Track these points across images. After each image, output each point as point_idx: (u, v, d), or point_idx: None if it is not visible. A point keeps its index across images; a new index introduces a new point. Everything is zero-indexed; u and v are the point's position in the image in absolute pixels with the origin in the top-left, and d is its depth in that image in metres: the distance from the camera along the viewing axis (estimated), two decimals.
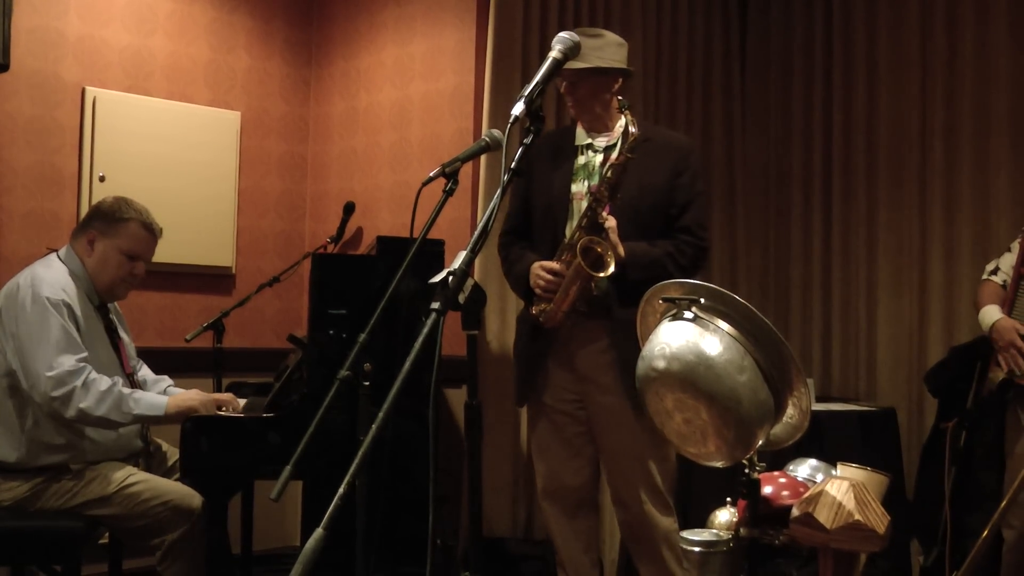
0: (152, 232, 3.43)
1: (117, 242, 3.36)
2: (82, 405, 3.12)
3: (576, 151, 3.40)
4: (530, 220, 3.47)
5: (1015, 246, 3.72)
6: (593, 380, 3.27)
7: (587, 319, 3.24)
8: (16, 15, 4.23)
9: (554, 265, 3.21)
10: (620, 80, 3.37)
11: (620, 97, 3.30)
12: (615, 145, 3.35)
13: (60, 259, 3.37)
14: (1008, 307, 3.59)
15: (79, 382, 3.13)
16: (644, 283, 2.83)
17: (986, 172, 4.38)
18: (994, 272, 3.76)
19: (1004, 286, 3.68)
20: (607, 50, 3.32)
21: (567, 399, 3.35)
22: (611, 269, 3.07)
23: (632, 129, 3.18)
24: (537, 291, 3.24)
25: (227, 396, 3.65)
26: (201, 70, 4.93)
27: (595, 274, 3.07)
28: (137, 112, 4.65)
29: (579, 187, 3.35)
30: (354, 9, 5.14)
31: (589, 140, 3.39)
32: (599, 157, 3.36)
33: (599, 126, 3.39)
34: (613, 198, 3.19)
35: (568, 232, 3.28)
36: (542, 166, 3.43)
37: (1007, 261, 3.73)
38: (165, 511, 3.21)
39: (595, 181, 3.32)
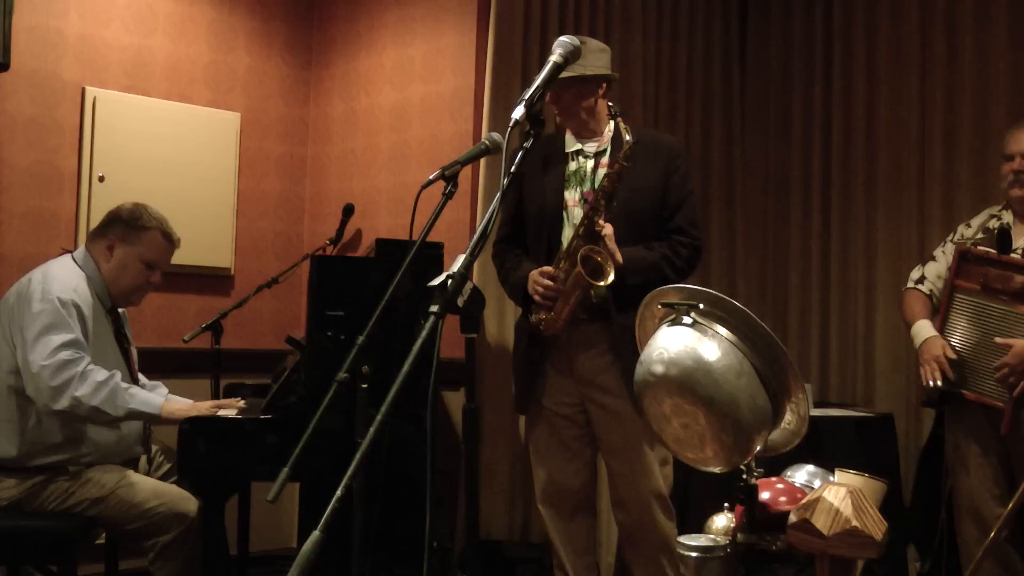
0: (171, 242, 3.46)
1: (137, 250, 3.38)
2: (77, 393, 3.11)
3: (566, 158, 3.40)
4: (523, 228, 3.47)
5: (939, 255, 3.69)
6: (594, 383, 3.27)
7: (585, 324, 3.24)
8: (16, 14, 4.23)
9: (551, 270, 3.21)
10: (604, 86, 3.37)
11: (611, 104, 3.30)
12: (605, 150, 3.35)
13: (75, 261, 3.37)
14: (940, 320, 3.53)
15: (78, 370, 3.13)
16: (642, 288, 2.83)
17: (985, 176, 4.38)
18: (920, 281, 3.72)
19: (930, 295, 3.65)
20: (588, 57, 3.29)
21: (566, 402, 3.35)
22: (611, 278, 3.07)
23: (627, 137, 3.16)
24: (536, 299, 3.24)
25: (228, 402, 3.65)
26: (201, 71, 4.93)
27: (595, 283, 3.07)
28: (137, 112, 4.65)
29: (571, 194, 3.35)
30: (354, 11, 5.14)
31: (579, 146, 3.39)
32: (590, 163, 3.35)
33: (587, 132, 3.39)
34: (609, 206, 3.19)
35: (563, 239, 3.29)
36: (533, 174, 3.42)
37: (933, 270, 3.69)
38: (160, 514, 3.21)
39: (587, 187, 3.32)
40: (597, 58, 3.33)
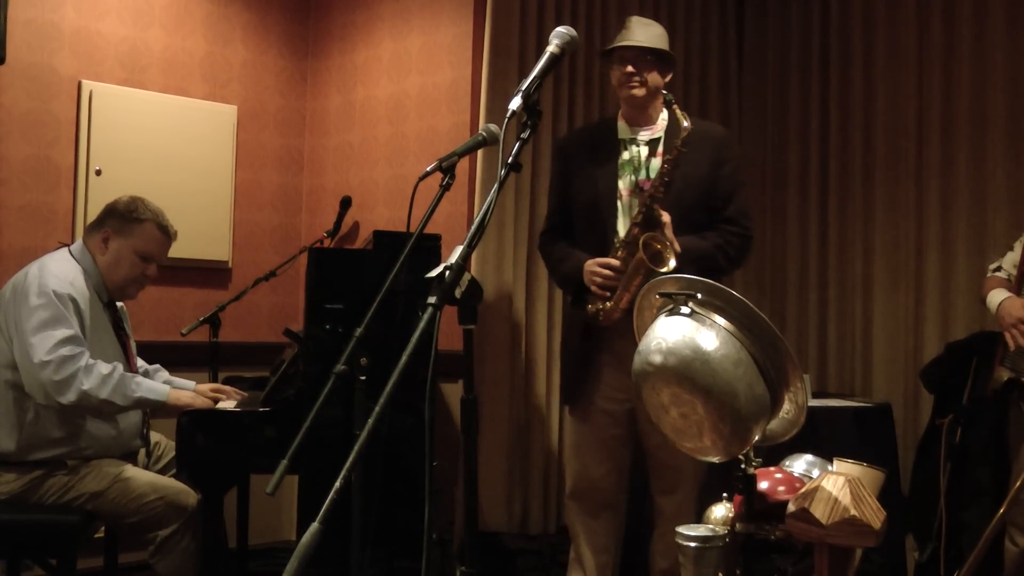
0: (167, 234, 3.46)
1: (132, 242, 3.38)
2: (84, 387, 3.12)
3: (619, 146, 3.39)
4: (571, 218, 3.45)
5: (1017, 245, 3.70)
6: None
7: None
8: (12, 8, 4.22)
9: (613, 262, 3.18)
10: (671, 73, 3.41)
11: (665, 91, 3.30)
12: (659, 139, 3.34)
13: (72, 254, 3.37)
14: None
15: (81, 364, 3.14)
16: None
17: (982, 169, 4.38)
18: (997, 270, 3.73)
19: (1009, 280, 3.65)
20: (659, 40, 3.35)
21: (616, 398, 3.34)
22: (672, 263, 3.06)
23: (685, 123, 3.17)
24: (593, 288, 3.22)
25: (228, 388, 3.67)
26: (197, 63, 4.93)
27: (657, 269, 3.06)
28: (133, 105, 4.64)
29: (625, 183, 3.33)
30: (351, 3, 5.13)
31: (632, 134, 3.38)
32: (644, 151, 3.34)
33: (643, 119, 3.38)
34: (667, 193, 3.19)
35: (619, 228, 3.28)
36: (582, 162, 3.41)
37: (1010, 259, 3.69)
38: (159, 507, 3.22)
39: (642, 176, 3.31)
40: (667, 43, 3.37)
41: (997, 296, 3.54)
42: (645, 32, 3.35)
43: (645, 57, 3.30)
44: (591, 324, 3.26)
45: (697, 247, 3.22)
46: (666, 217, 3.15)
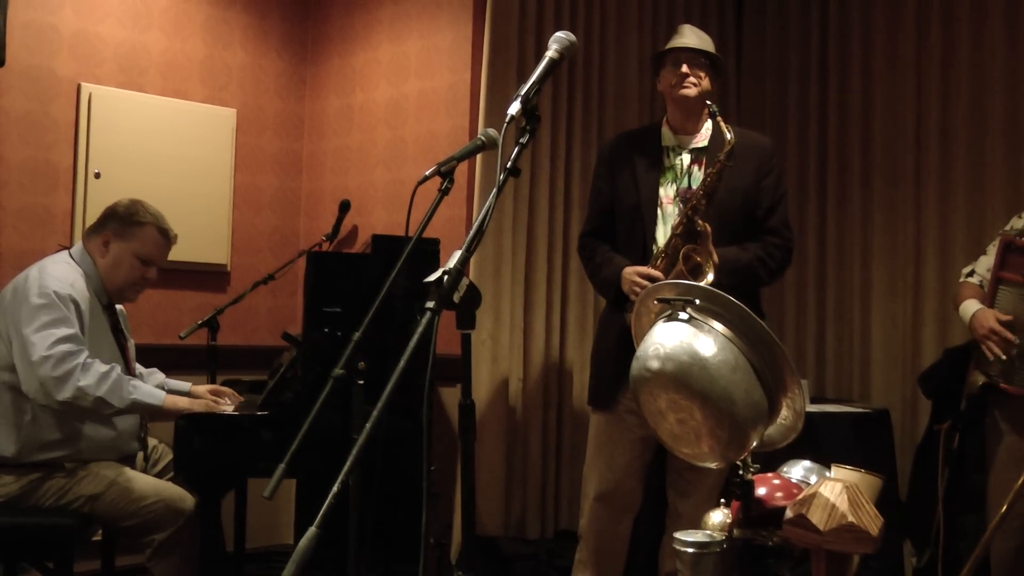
0: (167, 238, 3.47)
1: (132, 246, 3.39)
2: (81, 383, 3.12)
3: (663, 152, 3.40)
4: (611, 222, 3.46)
5: (991, 249, 3.70)
6: None
7: None
8: (11, 10, 4.21)
9: (654, 272, 3.19)
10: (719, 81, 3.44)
11: (709, 102, 3.32)
12: (703, 148, 3.35)
13: (72, 257, 3.38)
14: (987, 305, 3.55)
15: (79, 361, 3.14)
16: (735, 289, 2.80)
17: (981, 174, 4.38)
18: (970, 275, 3.73)
19: (981, 286, 3.66)
20: (713, 47, 3.38)
21: None
22: (710, 277, 3.07)
23: (729, 136, 3.18)
24: (633, 297, 3.23)
25: (227, 390, 3.67)
26: (196, 66, 4.93)
27: (696, 281, 3.06)
28: (132, 108, 4.64)
29: (666, 190, 3.34)
30: (350, 6, 5.13)
31: (676, 142, 3.39)
32: (687, 159, 3.35)
33: (689, 126, 3.39)
34: (709, 205, 3.20)
35: (658, 236, 3.29)
36: (624, 166, 3.41)
37: (983, 264, 3.69)
38: (156, 511, 3.21)
39: (684, 184, 3.32)
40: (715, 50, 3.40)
41: (970, 307, 3.55)
42: (698, 37, 3.40)
43: (699, 59, 3.34)
44: (630, 329, 3.28)
45: (737, 259, 3.23)
46: (707, 229, 3.16)
